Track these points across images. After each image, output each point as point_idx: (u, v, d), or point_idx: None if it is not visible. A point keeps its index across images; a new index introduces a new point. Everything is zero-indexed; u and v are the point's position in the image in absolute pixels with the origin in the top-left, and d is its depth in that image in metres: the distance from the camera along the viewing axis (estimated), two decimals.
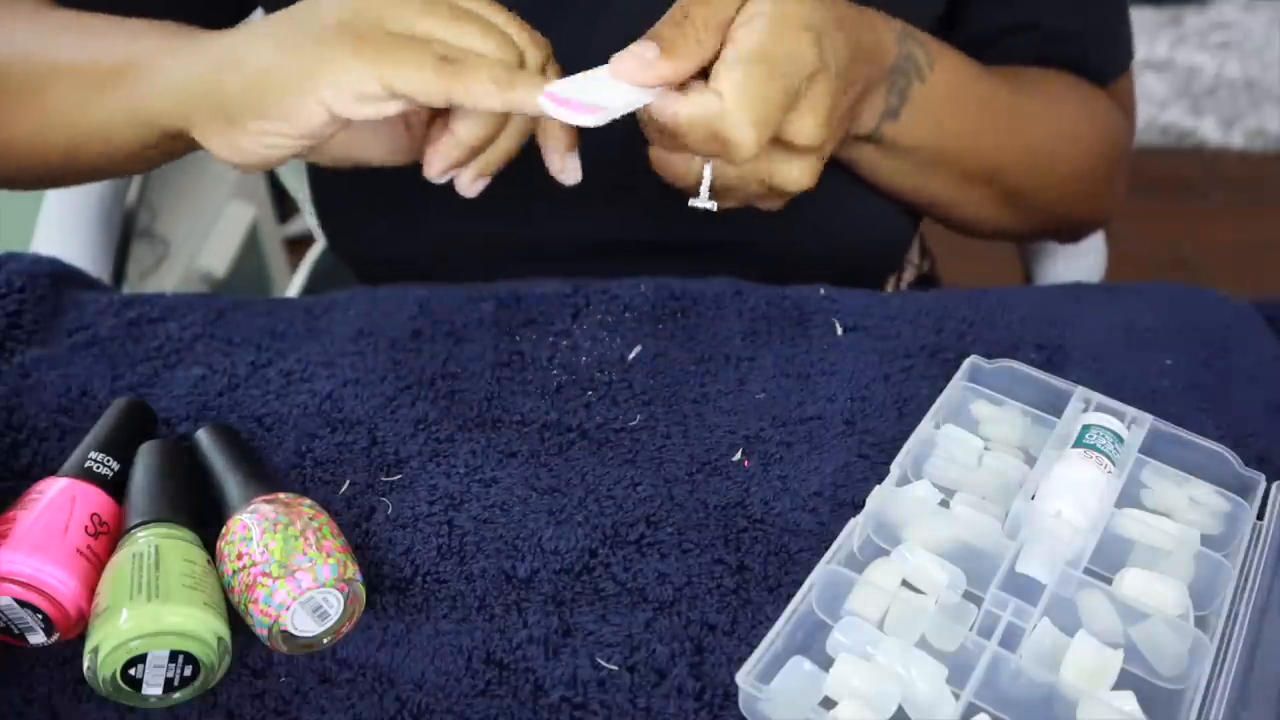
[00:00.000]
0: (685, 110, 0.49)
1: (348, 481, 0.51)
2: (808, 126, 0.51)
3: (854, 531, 0.47)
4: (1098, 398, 0.52)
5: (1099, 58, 0.72)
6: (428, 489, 0.51)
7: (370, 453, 0.52)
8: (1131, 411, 0.52)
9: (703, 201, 0.55)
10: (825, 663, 0.43)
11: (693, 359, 0.58)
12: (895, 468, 0.49)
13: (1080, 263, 0.83)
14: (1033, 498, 0.48)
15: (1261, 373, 0.58)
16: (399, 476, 0.51)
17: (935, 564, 0.46)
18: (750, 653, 0.42)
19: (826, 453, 0.53)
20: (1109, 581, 0.47)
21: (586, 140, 0.54)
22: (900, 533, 0.48)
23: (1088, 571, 0.46)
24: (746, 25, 0.50)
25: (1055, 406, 0.53)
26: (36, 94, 0.59)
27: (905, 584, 0.46)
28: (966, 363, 0.55)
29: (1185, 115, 2.50)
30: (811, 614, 0.45)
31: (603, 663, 0.44)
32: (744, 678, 0.41)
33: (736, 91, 0.48)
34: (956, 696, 0.41)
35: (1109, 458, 0.49)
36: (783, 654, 0.43)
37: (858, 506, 0.50)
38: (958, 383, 0.54)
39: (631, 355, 0.58)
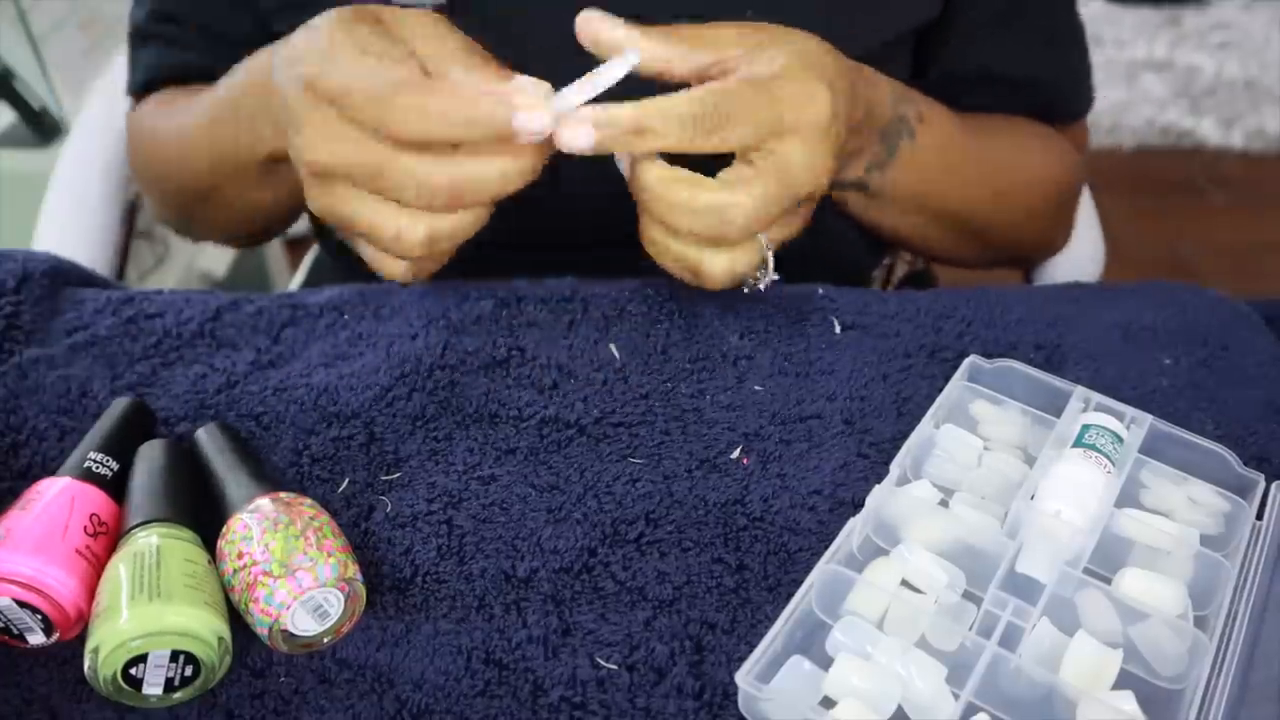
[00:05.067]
0: (705, 198, 0.51)
1: (347, 480, 0.51)
2: (811, 174, 0.53)
3: (853, 531, 0.47)
4: (1097, 397, 0.52)
5: (1065, 105, 0.76)
6: (426, 486, 0.51)
7: (369, 450, 0.52)
8: (1131, 411, 0.52)
9: (767, 279, 0.56)
10: (825, 662, 0.43)
11: (689, 357, 0.58)
12: (895, 467, 0.49)
13: (1079, 263, 0.83)
14: (1032, 498, 0.48)
15: (1261, 373, 0.58)
16: (398, 475, 0.51)
17: (935, 564, 0.46)
18: (750, 651, 0.42)
19: (826, 452, 0.53)
20: (1108, 581, 0.47)
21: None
22: (900, 532, 0.48)
23: (1087, 571, 0.46)
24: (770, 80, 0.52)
25: (1055, 406, 0.53)
26: (179, 163, 0.68)
27: (905, 584, 0.46)
28: (966, 362, 0.55)
29: (1185, 115, 2.50)
30: (811, 613, 0.45)
31: (602, 662, 0.44)
32: (743, 677, 0.41)
33: (758, 194, 0.51)
34: (956, 696, 0.41)
35: (1108, 458, 0.49)
36: (782, 654, 0.43)
37: (857, 505, 0.50)
38: (957, 382, 0.54)
39: (630, 353, 0.58)
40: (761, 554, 0.48)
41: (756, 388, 0.56)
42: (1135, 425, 0.52)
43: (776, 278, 0.56)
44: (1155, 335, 0.60)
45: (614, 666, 0.43)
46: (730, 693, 0.43)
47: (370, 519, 0.49)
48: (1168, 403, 0.56)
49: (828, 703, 0.42)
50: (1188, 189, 2.32)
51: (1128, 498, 0.50)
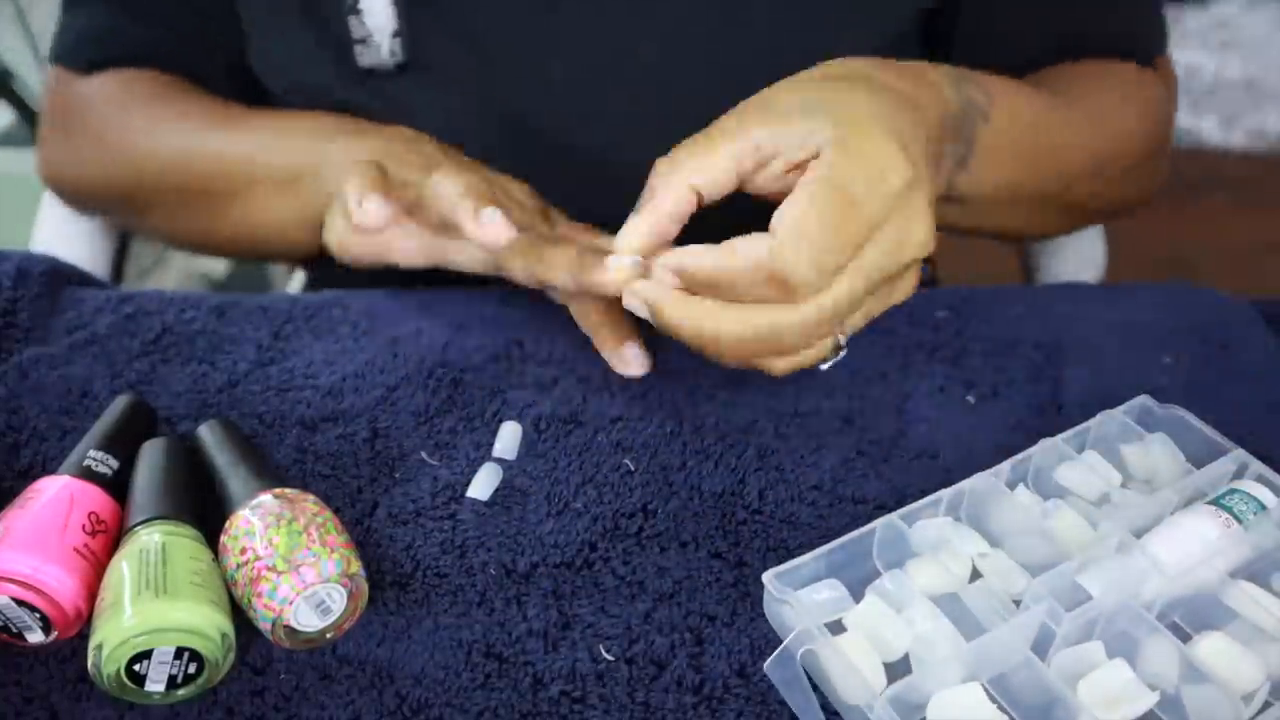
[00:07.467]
0: (732, 260, 0.46)
1: (349, 476, 0.51)
2: (920, 235, 0.47)
3: (941, 502, 0.46)
4: (1257, 465, 0.49)
5: (1134, 51, 0.70)
6: (430, 481, 0.51)
7: (373, 445, 0.53)
8: None
9: (836, 359, 0.50)
10: (856, 598, 0.44)
11: (685, 350, 0.58)
12: (1009, 466, 0.48)
13: (1080, 262, 0.83)
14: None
15: (1261, 372, 0.58)
16: (400, 471, 0.51)
17: (1015, 571, 0.45)
18: (750, 644, 0.43)
19: (825, 448, 0.53)
20: (1188, 637, 0.44)
21: (580, 158, 0.55)
22: (999, 535, 0.47)
23: (1172, 625, 0.44)
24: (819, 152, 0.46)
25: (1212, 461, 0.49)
26: (220, 198, 0.67)
27: (974, 572, 0.46)
28: (1136, 402, 0.52)
29: (1186, 115, 2.50)
30: (865, 553, 0.45)
31: (602, 651, 0.44)
32: (770, 577, 0.42)
33: (791, 226, 0.44)
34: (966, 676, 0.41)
35: (1236, 518, 0.45)
36: (816, 575, 0.44)
37: (857, 502, 0.50)
38: (1117, 415, 0.51)
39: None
40: (761, 550, 0.48)
41: (753, 384, 0.56)
42: None
43: (844, 353, 0.50)
44: (1155, 335, 0.60)
45: (611, 658, 0.44)
46: (730, 685, 0.43)
47: (373, 516, 0.49)
48: (1167, 402, 0.56)
49: (837, 629, 0.42)
50: (1188, 189, 2.32)
51: (1260, 575, 0.45)
